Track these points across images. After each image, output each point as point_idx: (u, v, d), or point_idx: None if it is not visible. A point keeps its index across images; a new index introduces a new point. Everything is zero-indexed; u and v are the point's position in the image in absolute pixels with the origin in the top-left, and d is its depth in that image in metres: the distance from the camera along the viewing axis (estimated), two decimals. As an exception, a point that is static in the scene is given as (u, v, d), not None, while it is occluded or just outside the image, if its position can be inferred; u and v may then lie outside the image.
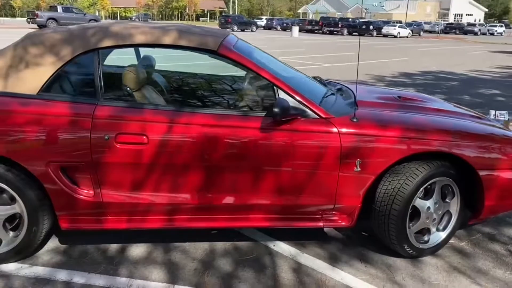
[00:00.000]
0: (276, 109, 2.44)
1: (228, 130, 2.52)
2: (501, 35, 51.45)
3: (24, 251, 2.64)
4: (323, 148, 2.56)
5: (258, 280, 2.55)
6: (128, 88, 2.68)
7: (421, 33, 44.87)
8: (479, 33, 49.53)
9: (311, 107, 2.61)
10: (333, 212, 2.74)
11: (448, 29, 51.71)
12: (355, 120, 2.64)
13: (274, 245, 2.94)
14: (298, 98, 2.60)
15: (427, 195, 2.74)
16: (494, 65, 15.43)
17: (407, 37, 38.85)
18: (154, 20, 61.28)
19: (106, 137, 2.45)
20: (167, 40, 2.62)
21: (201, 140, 2.50)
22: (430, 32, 51.33)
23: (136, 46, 2.63)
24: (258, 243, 2.96)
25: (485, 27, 52.92)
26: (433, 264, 2.78)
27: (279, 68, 2.86)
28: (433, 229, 2.84)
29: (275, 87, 2.60)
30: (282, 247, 2.92)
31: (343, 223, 2.73)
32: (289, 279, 2.57)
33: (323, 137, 2.56)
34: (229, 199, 2.63)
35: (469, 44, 30.19)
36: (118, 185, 2.55)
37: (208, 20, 67.35)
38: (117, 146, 2.47)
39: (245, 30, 37.85)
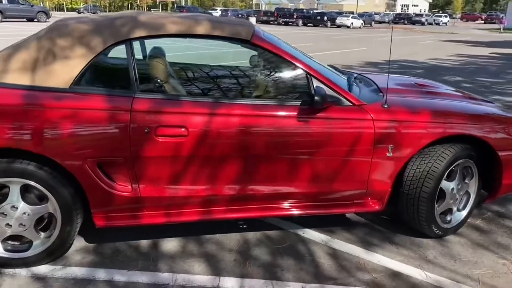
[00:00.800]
0: (317, 98, 2.46)
1: (265, 119, 2.52)
2: (446, 25, 53.77)
3: (56, 252, 2.53)
4: (358, 134, 2.61)
5: (300, 267, 2.58)
6: (159, 80, 2.62)
7: (372, 23, 46.10)
8: (426, 23, 51.50)
9: (344, 95, 2.65)
10: (365, 197, 2.81)
11: (397, 19, 53.42)
12: (386, 106, 2.71)
13: (303, 233, 2.97)
14: (332, 86, 2.64)
15: (450, 177, 2.87)
16: (449, 54, 16.14)
17: (359, 27, 39.78)
18: (106, 11, 59.20)
19: (146, 130, 2.39)
20: (201, 30, 2.57)
21: (239, 130, 2.48)
22: (380, 22, 52.84)
23: (168, 36, 2.57)
24: (287, 231, 2.99)
25: (431, 17, 55.09)
26: (457, 242, 2.92)
27: (304, 58, 2.88)
28: (455, 209, 2.98)
29: (308, 76, 2.62)
30: (312, 234, 2.96)
31: (375, 207, 2.81)
32: (329, 265, 2.62)
33: (358, 123, 2.62)
34: (265, 189, 2.63)
35: (418, 34, 31.35)
36: (157, 179, 2.50)
37: (160, 11, 65.94)
38: (157, 139, 2.41)
39: (201, 22, 37.31)
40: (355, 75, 3.48)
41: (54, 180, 2.38)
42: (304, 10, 45.09)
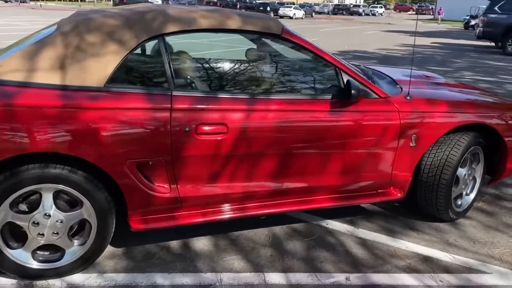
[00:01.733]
0: (354, 91, 2.51)
1: (299, 114, 2.53)
2: (382, 15, 55.96)
3: (90, 260, 2.42)
4: (386, 126, 2.70)
5: (337, 258, 2.64)
6: (189, 76, 2.55)
7: (313, 14, 46.97)
8: (363, 14, 53.30)
9: (372, 88, 2.72)
10: (388, 187, 2.91)
11: (336, 10, 54.83)
12: (408, 98, 2.81)
13: (327, 224, 3.03)
14: (359, 79, 2.69)
15: (463, 164, 3.03)
16: (395, 44, 16.85)
17: (301, 18, 40.41)
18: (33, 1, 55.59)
19: (187, 129, 2.32)
20: (232, 24, 2.53)
21: (276, 125, 2.48)
22: (320, 13, 53.95)
23: (201, 31, 2.50)
24: (310, 223, 3.04)
25: (368, 8, 57.06)
26: (469, 224, 3.10)
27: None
28: (464, 194, 3.16)
29: (337, 70, 2.66)
30: (335, 225, 3.02)
31: (398, 195, 2.92)
32: (362, 254, 2.69)
33: (386, 115, 2.70)
34: (299, 183, 2.66)
35: (358, 24, 32.41)
36: (195, 178, 2.44)
37: (96, 1, 63.09)
38: (198, 137, 2.35)
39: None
40: (365, 69, 3.57)
41: (90, 184, 2.26)
42: (247, 1, 45.04)
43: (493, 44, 16.56)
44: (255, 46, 2.76)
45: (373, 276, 2.47)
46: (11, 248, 2.27)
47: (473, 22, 31.36)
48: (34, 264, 2.31)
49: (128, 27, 2.36)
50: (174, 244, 2.73)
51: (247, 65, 2.64)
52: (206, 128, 2.36)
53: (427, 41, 18.92)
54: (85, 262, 2.40)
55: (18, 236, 2.29)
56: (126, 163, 2.27)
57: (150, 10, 2.50)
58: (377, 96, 2.73)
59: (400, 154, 2.80)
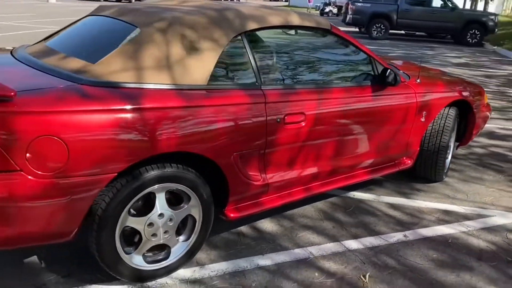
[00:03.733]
0: (393, 78, 2.96)
1: (352, 99, 2.89)
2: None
3: (193, 254, 2.47)
4: (408, 105, 3.21)
5: (383, 221, 3.09)
6: (271, 70, 2.70)
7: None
8: None
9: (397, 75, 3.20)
10: (403, 157, 3.45)
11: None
12: (418, 81, 3.36)
13: (354, 195, 3.46)
14: (388, 67, 3.14)
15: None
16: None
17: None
18: None
19: (278, 120, 2.52)
20: (295, 21, 2.77)
21: (338, 111, 2.81)
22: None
23: (272, 28, 2.68)
24: (341, 197, 3.43)
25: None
26: (452, 182, 3.82)
27: None
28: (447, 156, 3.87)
29: (371, 59, 3.08)
30: (362, 196, 3.47)
31: (409, 164, 3.48)
32: (399, 215, 3.19)
33: (408, 97, 3.21)
34: (350, 161, 3.03)
35: None
36: (279, 164, 2.65)
37: None
38: (286, 126, 2.56)
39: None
40: None
41: (199, 180, 2.33)
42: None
43: (357, 29, 18.62)
44: (310, 41, 3.01)
45: (421, 231, 2.98)
46: (126, 253, 2.23)
47: (327, 9, 34.60)
48: (147, 266, 2.30)
49: (216, 25, 2.44)
50: (245, 229, 2.89)
51: (310, 58, 2.89)
52: (292, 117, 2.58)
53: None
54: (189, 257, 2.45)
55: (128, 240, 2.26)
56: (233, 155, 2.38)
57: (227, 8, 2.59)
58: (400, 81, 3.21)
59: (415, 128, 3.35)
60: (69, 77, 2.10)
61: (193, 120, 2.20)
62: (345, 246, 2.75)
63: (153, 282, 2.34)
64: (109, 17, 2.66)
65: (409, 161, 3.50)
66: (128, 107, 2.02)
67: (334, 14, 35.01)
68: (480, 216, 3.23)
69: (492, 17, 15.86)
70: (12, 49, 2.77)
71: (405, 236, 2.90)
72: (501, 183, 3.85)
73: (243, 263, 2.53)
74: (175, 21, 2.37)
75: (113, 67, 2.15)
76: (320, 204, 3.28)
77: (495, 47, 15.64)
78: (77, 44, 2.51)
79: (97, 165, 1.96)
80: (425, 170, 3.65)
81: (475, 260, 2.68)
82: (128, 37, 2.31)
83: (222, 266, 2.49)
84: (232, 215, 2.54)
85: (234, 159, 2.40)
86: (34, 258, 2.47)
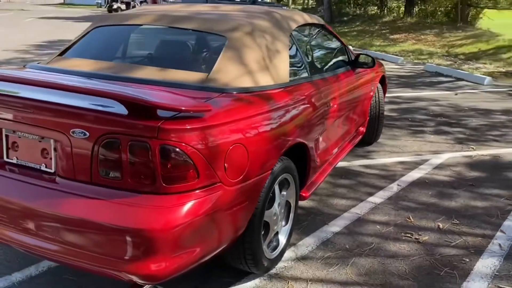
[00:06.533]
0: (375, 60, 3.66)
1: (347, 79, 3.48)
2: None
3: (291, 237, 2.71)
4: (370, 80, 3.97)
5: (375, 179, 3.79)
6: (312, 62, 3.04)
7: None
8: None
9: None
10: (362, 126, 4.21)
11: None
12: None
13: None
14: (354, 54, 3.82)
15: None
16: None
17: None
18: None
19: (328, 105, 2.94)
20: (309, 20, 3.20)
21: (346, 91, 3.36)
22: None
23: (301, 26, 3.04)
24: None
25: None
26: (383, 141, 4.78)
27: None
28: (373, 123, 4.80)
29: (345, 49, 3.71)
30: (339, 164, 4.10)
31: (364, 131, 4.25)
32: (378, 171, 3.94)
33: (368, 74, 3.96)
34: (347, 133, 3.63)
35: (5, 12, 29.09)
36: (326, 142, 3.06)
37: None
38: (330, 110, 3.01)
39: None
40: None
41: (295, 167, 2.59)
42: None
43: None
44: (315, 35, 3.42)
45: (403, 179, 3.78)
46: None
47: (115, 6, 33.57)
48: (271, 255, 2.48)
49: (276, 27, 2.70)
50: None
51: (321, 49, 3.33)
52: (333, 101, 3.03)
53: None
54: (289, 239, 2.70)
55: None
56: (314, 140, 2.72)
57: (268, 11, 2.84)
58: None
59: (370, 99, 4.14)
60: (201, 88, 2.14)
61: (298, 113, 2.46)
62: (373, 202, 3.35)
63: (275, 269, 2.53)
64: (158, 26, 2.61)
65: (364, 129, 4.27)
66: (271, 107, 2.20)
67: (123, 10, 34.23)
68: (423, 160, 4.24)
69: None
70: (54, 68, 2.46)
71: (398, 185, 3.67)
72: (412, 135, 4.99)
73: (321, 234, 2.89)
74: (254, 27, 2.54)
75: (231, 75, 2.25)
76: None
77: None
78: (155, 56, 2.44)
79: (263, 164, 2.11)
80: (369, 135, 4.50)
81: (452, 189, 3.62)
82: (224, 46, 2.38)
83: (309, 241, 2.81)
84: (307, 194, 2.86)
85: (314, 144, 2.74)
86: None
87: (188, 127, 1.76)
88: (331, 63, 3.38)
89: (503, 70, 9.62)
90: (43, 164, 1.94)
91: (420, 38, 14.55)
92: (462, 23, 16.25)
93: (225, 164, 1.88)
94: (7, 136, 2.01)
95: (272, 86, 2.39)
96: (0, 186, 1.98)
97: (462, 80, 8.51)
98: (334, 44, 3.60)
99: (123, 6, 34.66)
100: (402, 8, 20.43)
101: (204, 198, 1.82)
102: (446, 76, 8.99)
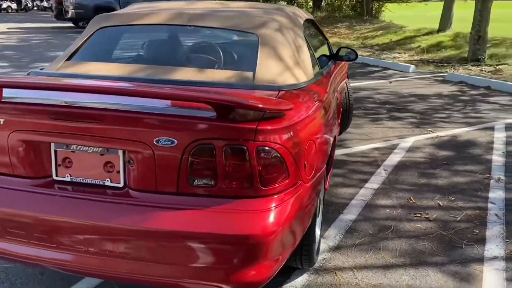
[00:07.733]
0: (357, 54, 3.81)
1: (335, 72, 3.60)
2: None
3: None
4: (346, 72, 4.16)
5: (361, 165, 3.97)
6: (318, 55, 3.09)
7: None
8: None
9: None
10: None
11: None
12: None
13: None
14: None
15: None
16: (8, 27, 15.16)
17: None
18: None
19: (336, 96, 3.03)
20: (307, 15, 3.22)
21: (336, 83, 3.48)
22: None
23: (305, 21, 3.08)
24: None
25: None
26: (351, 130, 5.01)
27: None
28: (339, 113, 5.02)
29: (329, 45, 3.84)
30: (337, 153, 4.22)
31: (339, 121, 4.44)
32: (360, 158, 4.14)
33: (345, 66, 4.13)
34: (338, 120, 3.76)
35: None
36: None
37: None
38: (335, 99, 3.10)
39: None
40: None
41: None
42: None
43: (73, 24, 17.78)
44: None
45: (387, 163, 4.01)
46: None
47: (5, 5, 30.74)
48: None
49: (293, 23, 2.71)
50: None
51: (316, 43, 3.39)
52: (338, 93, 3.13)
53: (2, 27, 17.77)
54: (320, 231, 2.74)
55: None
56: (335, 131, 2.80)
57: (280, 7, 2.84)
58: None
59: (342, 92, 4.32)
60: (252, 87, 2.11)
61: (331, 106, 2.52)
62: (372, 188, 3.52)
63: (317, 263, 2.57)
64: (178, 25, 2.49)
65: (339, 120, 4.45)
66: (322, 102, 2.24)
67: (14, 10, 31.46)
68: (394, 145, 4.52)
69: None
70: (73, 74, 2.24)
71: (385, 170, 3.89)
72: (372, 123, 5.29)
73: (341, 223, 2.99)
74: (280, 24, 2.53)
75: (274, 72, 2.24)
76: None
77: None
78: (187, 56, 2.33)
79: (324, 157, 2.13)
80: (342, 124, 4.69)
81: (432, 169, 3.92)
82: (258, 43, 2.34)
83: (334, 231, 2.89)
84: (327, 186, 2.93)
85: (335, 135, 2.82)
86: None
87: (280, 127, 1.73)
88: (325, 57, 3.47)
89: (418, 58, 10.50)
90: (108, 180, 1.77)
91: (334, 31, 15.30)
92: (368, 16, 17.41)
93: (305, 162, 1.87)
94: (56, 151, 1.80)
95: (308, 81, 2.41)
96: (53, 207, 1.77)
97: (389, 69, 9.14)
98: (322, 38, 3.70)
99: (14, 5, 31.90)
100: (310, 3, 21.29)
101: (294, 198, 1.80)
102: (373, 66, 9.60)
